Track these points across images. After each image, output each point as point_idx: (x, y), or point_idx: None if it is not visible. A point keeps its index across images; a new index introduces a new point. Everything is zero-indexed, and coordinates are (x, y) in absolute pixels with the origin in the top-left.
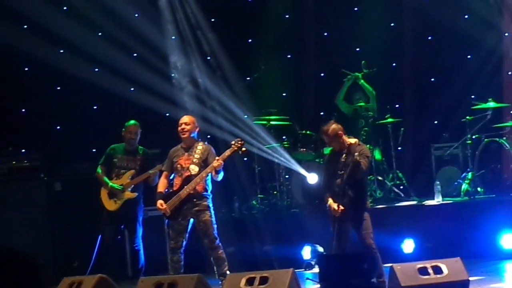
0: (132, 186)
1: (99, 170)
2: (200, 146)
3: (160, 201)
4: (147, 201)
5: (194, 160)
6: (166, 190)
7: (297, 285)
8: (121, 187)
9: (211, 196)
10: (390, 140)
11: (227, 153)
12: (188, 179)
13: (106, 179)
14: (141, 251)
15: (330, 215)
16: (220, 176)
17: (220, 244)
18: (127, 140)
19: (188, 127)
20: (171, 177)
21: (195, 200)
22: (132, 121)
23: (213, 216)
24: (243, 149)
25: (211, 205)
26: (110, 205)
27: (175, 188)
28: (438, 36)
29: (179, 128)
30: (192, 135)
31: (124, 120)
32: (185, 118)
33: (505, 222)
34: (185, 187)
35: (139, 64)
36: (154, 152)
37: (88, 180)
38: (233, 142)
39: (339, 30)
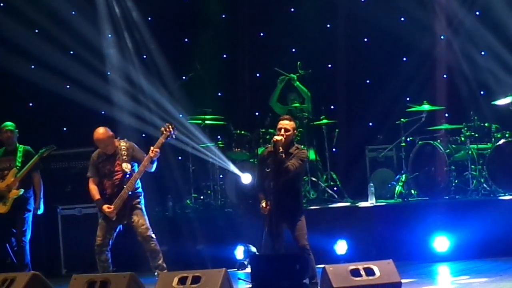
0: (17, 183)
1: None
2: (123, 145)
3: (106, 205)
4: (81, 198)
5: (124, 158)
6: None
7: (229, 285)
8: (5, 188)
9: (142, 193)
10: (324, 141)
11: (161, 140)
12: (122, 179)
13: None
14: (27, 248)
15: (264, 215)
16: (154, 167)
17: (153, 235)
18: (5, 142)
19: (106, 143)
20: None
21: (132, 198)
22: (9, 124)
23: (143, 209)
24: (176, 132)
25: (143, 202)
26: (0, 208)
27: (109, 191)
28: (374, 38)
29: (99, 145)
30: (112, 143)
31: (60, 117)
32: (98, 136)
33: (438, 225)
34: (125, 186)
35: (75, 62)
36: (88, 150)
37: None
38: (162, 129)
39: (275, 30)
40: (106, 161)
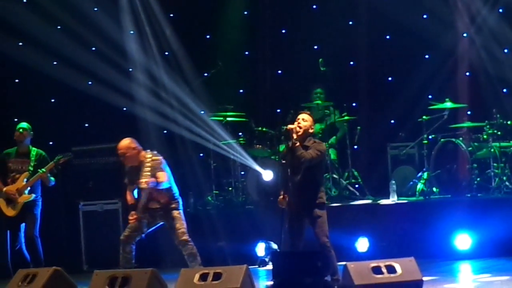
0: (28, 188)
1: None
2: (148, 159)
3: (132, 212)
4: (103, 194)
5: (145, 173)
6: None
7: (250, 282)
8: (15, 192)
9: (179, 199)
10: (346, 138)
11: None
12: (157, 194)
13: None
14: (39, 243)
15: (285, 211)
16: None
17: (190, 239)
18: (18, 143)
19: (125, 155)
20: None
21: (162, 210)
22: (22, 124)
23: (182, 213)
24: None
25: (181, 207)
26: (9, 212)
27: (143, 203)
28: (396, 36)
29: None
30: (135, 156)
31: (82, 113)
32: (119, 149)
33: (460, 223)
34: (141, 200)
35: (97, 58)
36: (109, 146)
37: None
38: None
39: (297, 27)
40: (133, 173)
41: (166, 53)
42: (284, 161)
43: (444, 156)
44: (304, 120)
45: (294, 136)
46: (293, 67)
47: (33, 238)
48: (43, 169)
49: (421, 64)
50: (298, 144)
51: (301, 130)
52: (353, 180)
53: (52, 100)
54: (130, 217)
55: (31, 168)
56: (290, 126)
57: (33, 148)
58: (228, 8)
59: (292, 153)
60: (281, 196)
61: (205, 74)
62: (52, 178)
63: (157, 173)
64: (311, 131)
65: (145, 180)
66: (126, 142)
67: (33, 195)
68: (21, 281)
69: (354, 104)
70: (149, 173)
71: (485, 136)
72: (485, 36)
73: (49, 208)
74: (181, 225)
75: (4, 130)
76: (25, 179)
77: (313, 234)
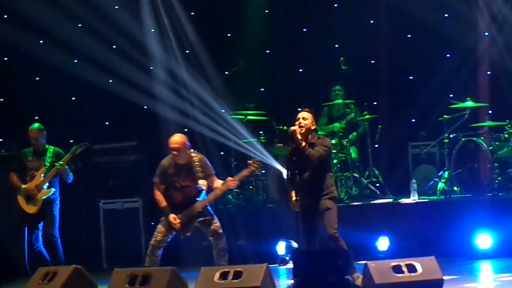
0: (47, 183)
1: (11, 176)
2: (196, 159)
3: (172, 215)
4: (123, 192)
5: (199, 174)
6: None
7: (271, 280)
8: (34, 188)
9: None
10: (367, 137)
11: (244, 173)
12: (196, 195)
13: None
14: (59, 243)
15: (298, 213)
16: None
17: (223, 234)
18: (32, 143)
19: (180, 150)
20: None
21: (200, 215)
22: (34, 125)
23: (212, 212)
24: (262, 170)
25: (209, 208)
26: (30, 209)
27: (177, 202)
28: (417, 34)
29: (172, 152)
30: (186, 153)
31: (102, 111)
32: (175, 143)
33: (481, 222)
34: (197, 205)
35: (118, 56)
36: (130, 144)
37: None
38: (250, 162)
39: (318, 26)
40: (178, 173)
41: (187, 51)
42: (292, 158)
43: (465, 155)
44: (304, 118)
45: (299, 136)
46: (314, 66)
47: (52, 239)
48: (60, 162)
49: (442, 63)
50: (304, 144)
51: (304, 129)
52: (374, 179)
53: (73, 98)
54: (174, 220)
55: (47, 164)
56: (292, 128)
57: (50, 146)
58: (249, 6)
59: (299, 154)
60: (294, 199)
61: (226, 73)
62: (71, 174)
63: (212, 177)
64: (313, 127)
65: (235, 183)
66: (182, 137)
67: (52, 189)
68: (41, 279)
69: (375, 103)
70: (201, 174)
71: (506, 135)
72: (507, 35)
73: (70, 207)
74: (216, 220)
75: (24, 128)
76: (42, 174)
77: (322, 227)
